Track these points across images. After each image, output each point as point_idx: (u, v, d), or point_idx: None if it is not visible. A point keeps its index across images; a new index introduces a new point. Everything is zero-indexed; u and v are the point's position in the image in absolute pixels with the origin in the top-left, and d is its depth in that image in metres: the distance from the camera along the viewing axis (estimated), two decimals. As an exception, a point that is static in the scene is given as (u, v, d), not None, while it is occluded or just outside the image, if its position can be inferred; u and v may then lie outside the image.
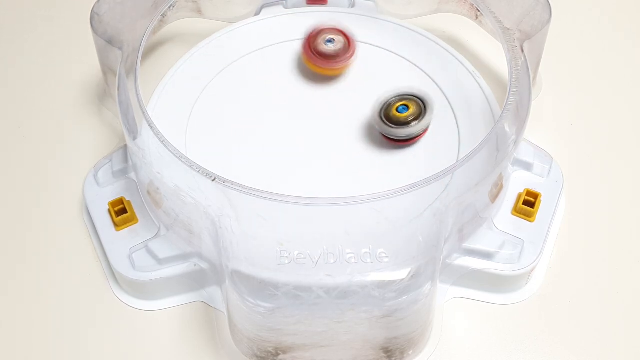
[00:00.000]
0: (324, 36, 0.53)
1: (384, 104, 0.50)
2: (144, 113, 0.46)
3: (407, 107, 0.49)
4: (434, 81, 0.55)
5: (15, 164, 0.55)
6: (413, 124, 0.49)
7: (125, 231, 0.49)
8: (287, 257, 0.42)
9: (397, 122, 0.49)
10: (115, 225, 0.49)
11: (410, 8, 0.59)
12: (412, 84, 0.54)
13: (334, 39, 0.53)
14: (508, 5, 0.52)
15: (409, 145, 0.51)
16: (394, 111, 0.49)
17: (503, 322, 0.48)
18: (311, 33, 0.54)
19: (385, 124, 0.49)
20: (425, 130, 0.50)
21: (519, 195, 0.50)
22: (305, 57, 0.54)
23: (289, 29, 0.58)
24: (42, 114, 0.58)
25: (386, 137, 0.50)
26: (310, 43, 0.53)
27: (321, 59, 0.53)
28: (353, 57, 0.54)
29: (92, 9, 0.51)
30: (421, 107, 0.50)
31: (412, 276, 0.41)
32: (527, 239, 0.48)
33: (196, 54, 0.56)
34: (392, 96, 0.50)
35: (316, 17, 0.58)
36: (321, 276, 0.41)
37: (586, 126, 0.57)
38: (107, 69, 0.53)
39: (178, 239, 0.47)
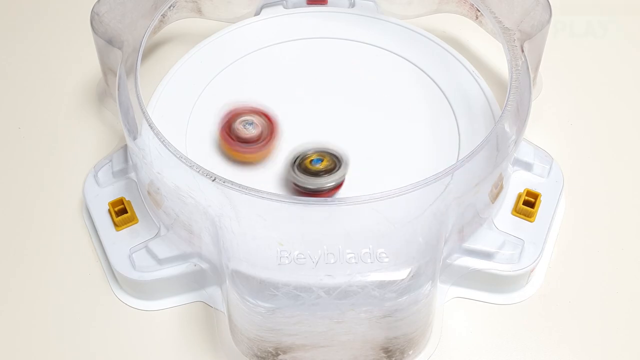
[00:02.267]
0: (242, 119, 0.50)
1: (300, 155, 0.48)
2: (144, 113, 0.46)
3: (321, 160, 0.48)
4: (434, 81, 0.55)
5: (15, 164, 0.55)
6: (324, 176, 0.48)
7: (125, 231, 0.49)
8: (287, 257, 0.42)
9: (309, 173, 0.48)
10: (115, 225, 0.49)
11: (410, 8, 0.59)
12: (412, 84, 0.55)
13: (253, 122, 0.50)
14: (508, 6, 0.52)
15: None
16: (307, 162, 0.48)
17: (503, 322, 0.48)
18: (228, 115, 0.50)
19: (295, 173, 0.47)
20: (338, 186, 0.48)
21: (519, 196, 0.50)
22: (224, 143, 0.50)
23: (289, 29, 0.58)
24: (42, 114, 0.58)
25: (297, 188, 0.48)
26: (228, 127, 0.49)
27: (240, 143, 0.49)
28: (276, 140, 0.50)
29: (92, 9, 0.51)
30: (335, 161, 0.48)
31: (412, 276, 0.41)
32: (527, 239, 0.48)
33: (196, 54, 0.56)
34: (309, 149, 0.48)
35: (316, 17, 0.59)
36: (321, 276, 0.41)
37: (586, 126, 0.57)
38: (107, 69, 0.53)
39: (178, 239, 0.47)
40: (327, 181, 0.47)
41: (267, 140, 0.50)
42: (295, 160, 0.48)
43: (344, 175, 0.48)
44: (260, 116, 0.50)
